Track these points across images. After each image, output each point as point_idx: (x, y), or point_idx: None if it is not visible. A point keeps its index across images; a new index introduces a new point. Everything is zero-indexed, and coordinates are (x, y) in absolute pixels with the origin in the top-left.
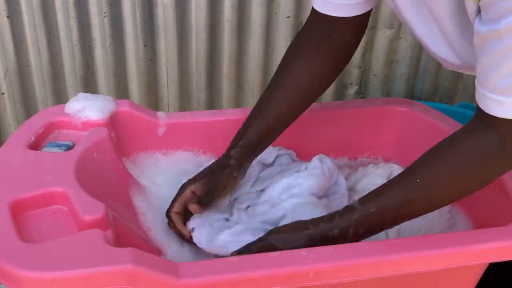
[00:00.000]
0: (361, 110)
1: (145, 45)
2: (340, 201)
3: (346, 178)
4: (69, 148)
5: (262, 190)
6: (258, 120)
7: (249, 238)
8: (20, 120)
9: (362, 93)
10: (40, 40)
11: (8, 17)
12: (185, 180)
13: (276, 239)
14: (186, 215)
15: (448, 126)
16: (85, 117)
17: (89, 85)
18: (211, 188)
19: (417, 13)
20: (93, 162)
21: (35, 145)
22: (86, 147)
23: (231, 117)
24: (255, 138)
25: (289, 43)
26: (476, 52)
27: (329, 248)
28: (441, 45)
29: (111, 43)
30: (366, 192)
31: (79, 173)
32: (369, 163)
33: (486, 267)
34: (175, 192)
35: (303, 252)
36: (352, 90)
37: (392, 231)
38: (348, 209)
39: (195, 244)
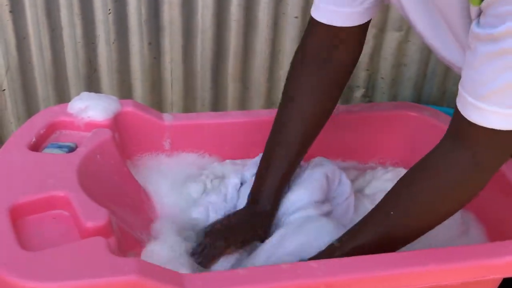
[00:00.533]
0: (371, 114)
1: (149, 43)
2: (347, 204)
3: (354, 180)
4: (71, 149)
5: None
6: (278, 161)
7: None
8: (21, 117)
9: (369, 96)
10: (43, 37)
11: (11, 12)
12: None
13: None
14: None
15: None
16: (88, 117)
17: (91, 83)
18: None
19: (427, 17)
20: (96, 165)
21: (36, 146)
22: (89, 149)
23: (238, 119)
24: (280, 177)
25: (296, 44)
26: (466, 53)
27: (341, 261)
28: (452, 49)
29: (115, 40)
30: (376, 197)
31: (81, 177)
32: (378, 167)
33: (500, 281)
34: (179, 197)
35: (314, 264)
36: (359, 93)
37: None
38: (330, 250)
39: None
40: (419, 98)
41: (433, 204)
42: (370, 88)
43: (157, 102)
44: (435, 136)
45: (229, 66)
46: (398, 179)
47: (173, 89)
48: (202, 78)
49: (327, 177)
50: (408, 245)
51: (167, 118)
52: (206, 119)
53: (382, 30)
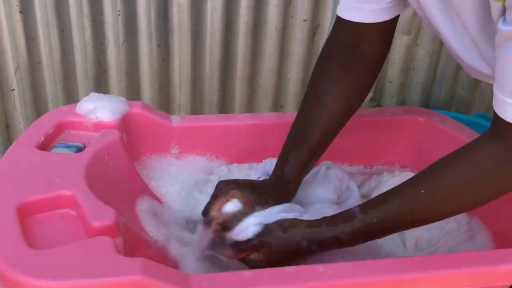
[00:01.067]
0: (379, 119)
1: (158, 45)
2: None
3: (360, 186)
4: (79, 149)
5: None
6: (299, 147)
7: None
8: (30, 117)
9: (377, 100)
10: (53, 37)
11: (21, 12)
12: (198, 188)
13: (269, 236)
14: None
15: (466, 136)
16: (97, 118)
17: (100, 84)
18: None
19: (447, 20)
20: (103, 165)
21: (45, 146)
22: (97, 149)
23: (246, 122)
24: (298, 164)
25: (305, 47)
26: (496, 53)
27: (347, 265)
28: (471, 53)
29: (124, 42)
30: None
31: (89, 176)
32: (385, 171)
33: None
34: (186, 199)
35: (320, 268)
36: (367, 96)
37: (410, 241)
38: (349, 215)
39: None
40: (427, 103)
41: (463, 190)
42: (378, 92)
43: (165, 104)
44: (443, 141)
45: (237, 69)
46: None
47: (181, 91)
48: (210, 80)
49: (338, 180)
50: (415, 251)
51: (175, 120)
52: (214, 121)
53: None
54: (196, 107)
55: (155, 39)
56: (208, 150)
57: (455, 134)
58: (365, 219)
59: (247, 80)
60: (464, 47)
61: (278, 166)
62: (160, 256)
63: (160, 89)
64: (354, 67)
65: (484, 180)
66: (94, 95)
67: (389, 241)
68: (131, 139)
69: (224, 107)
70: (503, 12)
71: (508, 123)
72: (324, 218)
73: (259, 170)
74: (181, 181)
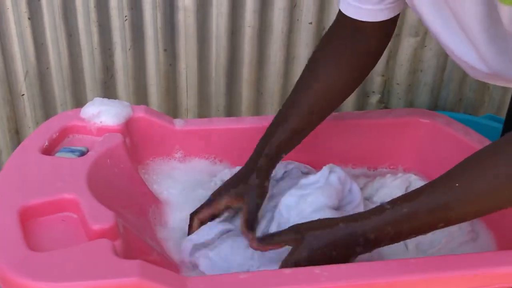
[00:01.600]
0: (383, 121)
1: (165, 50)
2: (356, 211)
3: (363, 188)
4: (83, 153)
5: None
6: (283, 126)
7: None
8: (39, 122)
9: (384, 102)
10: (61, 43)
11: (29, 18)
12: (201, 191)
13: (306, 235)
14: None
15: (472, 140)
16: (101, 122)
17: (108, 89)
18: (253, 199)
19: (441, 19)
20: (106, 169)
21: (49, 150)
22: (100, 153)
23: (249, 125)
24: (279, 145)
25: (311, 50)
26: None
27: (343, 266)
28: (467, 52)
29: (131, 47)
30: None
31: (91, 180)
32: (388, 173)
33: None
34: (190, 203)
35: (317, 270)
36: (374, 98)
37: (411, 243)
38: (378, 209)
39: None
40: (435, 104)
41: (498, 189)
42: (386, 94)
43: (172, 108)
44: (447, 143)
45: (243, 72)
46: (407, 185)
47: (188, 95)
48: (217, 84)
49: (337, 186)
50: (417, 252)
51: (178, 123)
52: (217, 124)
53: (398, 36)
54: (203, 111)
55: (161, 44)
56: (211, 153)
57: (459, 136)
58: (395, 213)
59: (254, 83)
60: (460, 47)
61: (261, 141)
62: (161, 259)
63: (167, 93)
64: (346, 57)
65: None
66: (98, 99)
67: None
68: (134, 143)
69: (231, 110)
70: None
71: None
72: (351, 215)
73: None
74: (184, 183)
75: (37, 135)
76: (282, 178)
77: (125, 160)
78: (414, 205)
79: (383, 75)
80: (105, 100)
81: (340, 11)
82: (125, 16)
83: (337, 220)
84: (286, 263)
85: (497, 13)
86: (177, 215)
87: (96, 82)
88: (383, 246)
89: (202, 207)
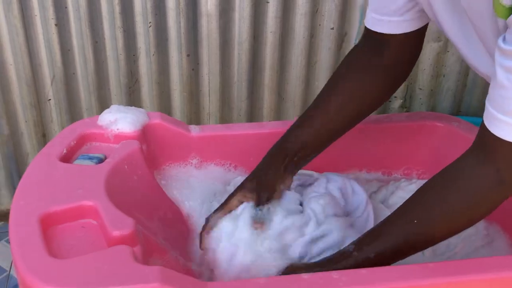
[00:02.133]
0: (398, 125)
1: (188, 55)
2: (366, 215)
3: (377, 191)
4: (100, 160)
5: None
6: (307, 127)
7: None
8: (65, 126)
9: (406, 107)
10: (87, 49)
11: (56, 25)
12: (215, 198)
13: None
14: None
15: None
16: (117, 129)
17: (132, 94)
18: (262, 193)
19: (460, 29)
20: (123, 176)
21: (67, 158)
22: (117, 160)
23: (267, 130)
24: (302, 144)
25: (332, 55)
26: (494, 69)
27: (361, 271)
28: (486, 62)
29: (155, 52)
30: None
31: (109, 187)
32: (402, 178)
33: None
34: (205, 209)
35: (335, 274)
36: (396, 103)
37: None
38: (344, 256)
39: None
40: (458, 110)
41: (455, 215)
42: (408, 99)
43: (194, 112)
44: (462, 147)
45: (265, 77)
46: None
47: (210, 100)
48: (239, 89)
49: (341, 191)
50: (433, 256)
51: (194, 130)
52: (233, 130)
53: None
54: (225, 116)
55: (184, 49)
56: (227, 159)
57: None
58: (361, 256)
59: (275, 88)
60: (478, 57)
61: (282, 140)
62: (180, 265)
63: (189, 98)
64: (373, 69)
65: (477, 204)
66: (114, 107)
67: None
68: (151, 149)
69: (253, 115)
70: (505, 29)
71: (499, 139)
72: (322, 260)
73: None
74: (200, 190)
75: (55, 143)
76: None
77: (142, 167)
78: (378, 247)
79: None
80: (122, 107)
81: (365, 27)
82: (149, 22)
83: (301, 268)
84: None
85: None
86: (192, 222)
87: (120, 87)
88: None
89: (216, 210)
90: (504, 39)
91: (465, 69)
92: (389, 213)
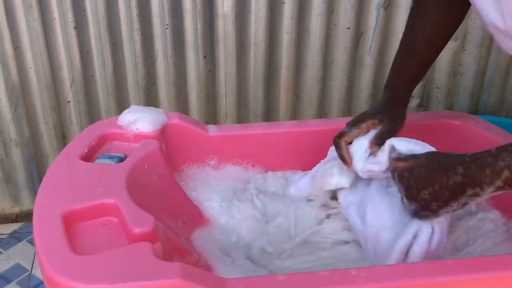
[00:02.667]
0: (415, 124)
1: (205, 56)
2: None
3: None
4: (121, 160)
5: None
6: (407, 62)
7: None
8: (84, 127)
9: (424, 106)
10: (105, 51)
11: (75, 28)
12: (234, 196)
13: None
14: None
15: (504, 140)
16: (137, 129)
17: (150, 95)
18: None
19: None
20: (144, 174)
21: (88, 157)
22: (137, 159)
23: (283, 129)
24: (407, 76)
25: (348, 55)
26: None
27: (380, 268)
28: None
29: (172, 54)
30: None
31: (130, 185)
32: None
33: None
34: (225, 208)
35: (353, 271)
36: (413, 102)
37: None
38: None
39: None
40: (476, 108)
41: None
42: (425, 98)
43: (212, 113)
44: (480, 146)
45: (281, 77)
46: None
47: (227, 100)
48: (255, 89)
49: None
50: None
51: (212, 130)
52: (250, 130)
53: None
54: (241, 116)
55: (201, 50)
56: (245, 159)
57: (494, 139)
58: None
59: (292, 88)
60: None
61: (389, 81)
62: (200, 262)
63: (207, 98)
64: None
65: None
66: (134, 107)
67: None
68: (170, 149)
69: (269, 115)
70: None
71: None
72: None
73: (329, 158)
74: (219, 191)
75: (76, 142)
76: None
77: (162, 166)
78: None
79: (422, 79)
80: (141, 107)
81: None
82: (167, 24)
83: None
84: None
85: None
86: (212, 220)
87: (138, 89)
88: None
89: (345, 130)
90: None
91: (482, 68)
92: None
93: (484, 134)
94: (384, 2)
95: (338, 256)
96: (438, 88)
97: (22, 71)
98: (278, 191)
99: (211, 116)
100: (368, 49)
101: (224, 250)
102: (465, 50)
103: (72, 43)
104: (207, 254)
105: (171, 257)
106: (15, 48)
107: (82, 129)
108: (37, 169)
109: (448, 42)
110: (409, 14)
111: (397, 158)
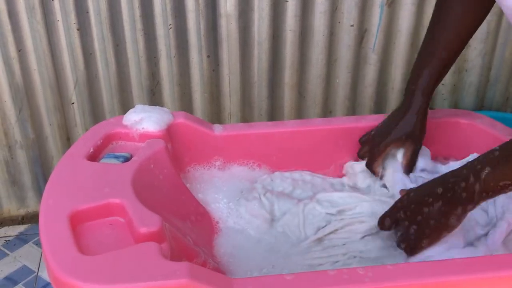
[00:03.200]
0: None
1: (208, 56)
2: None
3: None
4: (126, 159)
5: None
6: (430, 61)
7: None
8: (89, 128)
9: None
10: (108, 52)
11: (78, 29)
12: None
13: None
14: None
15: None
16: (143, 128)
17: (154, 96)
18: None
19: None
20: (150, 174)
21: (94, 157)
22: (143, 158)
23: (288, 128)
24: (431, 80)
25: (352, 52)
26: None
27: (388, 267)
28: None
29: (175, 54)
30: None
31: (136, 185)
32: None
33: None
34: (232, 208)
35: (361, 270)
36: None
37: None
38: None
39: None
40: (481, 105)
41: None
42: None
43: (216, 113)
44: (487, 144)
45: (285, 76)
46: None
47: (231, 100)
48: (259, 88)
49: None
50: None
51: (217, 129)
52: (255, 129)
53: None
54: (246, 115)
55: (205, 50)
56: (251, 158)
57: (500, 137)
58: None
59: (296, 86)
60: None
61: (411, 81)
62: (207, 262)
63: (211, 98)
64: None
65: None
66: (139, 106)
67: None
68: (175, 148)
69: (274, 114)
70: None
71: None
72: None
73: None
74: (226, 191)
75: (82, 142)
76: None
77: (168, 165)
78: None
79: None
80: (147, 106)
81: None
82: (170, 24)
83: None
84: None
85: None
86: (222, 222)
87: (142, 89)
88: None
89: (372, 159)
90: None
91: (488, 64)
92: None
93: (489, 133)
94: (388, 0)
95: (348, 253)
96: (443, 84)
97: (26, 73)
98: (285, 190)
99: (216, 115)
100: (372, 46)
101: (232, 250)
102: (469, 46)
103: (75, 44)
104: (216, 255)
105: (178, 257)
106: (19, 51)
107: (86, 130)
108: (42, 171)
109: None
110: (434, 10)
111: None
